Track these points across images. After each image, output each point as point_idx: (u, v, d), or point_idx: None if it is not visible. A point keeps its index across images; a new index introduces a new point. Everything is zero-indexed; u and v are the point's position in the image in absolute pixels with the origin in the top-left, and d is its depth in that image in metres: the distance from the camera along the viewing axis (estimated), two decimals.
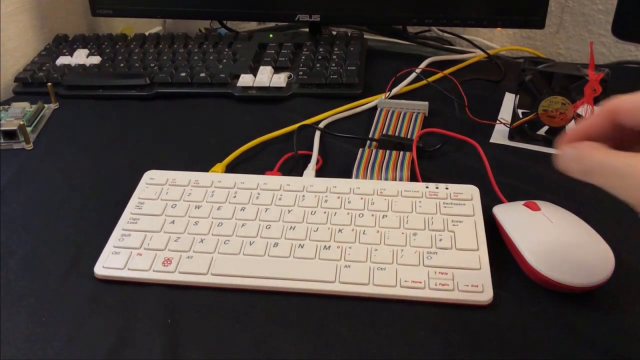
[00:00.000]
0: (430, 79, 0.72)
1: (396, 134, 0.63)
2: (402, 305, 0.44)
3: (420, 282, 0.45)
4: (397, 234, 0.49)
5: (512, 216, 0.49)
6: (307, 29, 0.85)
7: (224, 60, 0.77)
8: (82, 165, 0.62)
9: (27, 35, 0.82)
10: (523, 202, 0.49)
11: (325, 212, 0.51)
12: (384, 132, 0.63)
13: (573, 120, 0.59)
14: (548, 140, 0.61)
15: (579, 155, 0.36)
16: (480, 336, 0.42)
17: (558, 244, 0.45)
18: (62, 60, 0.79)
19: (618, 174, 0.34)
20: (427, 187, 0.53)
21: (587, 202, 0.52)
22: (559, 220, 0.46)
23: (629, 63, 0.87)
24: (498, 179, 0.55)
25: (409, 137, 0.62)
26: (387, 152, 0.59)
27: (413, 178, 0.56)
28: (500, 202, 0.52)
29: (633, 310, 0.43)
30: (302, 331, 0.43)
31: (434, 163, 0.59)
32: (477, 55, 0.82)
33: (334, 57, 0.76)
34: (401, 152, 0.59)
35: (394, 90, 0.71)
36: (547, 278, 0.44)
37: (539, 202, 0.49)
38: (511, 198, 0.53)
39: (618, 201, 0.33)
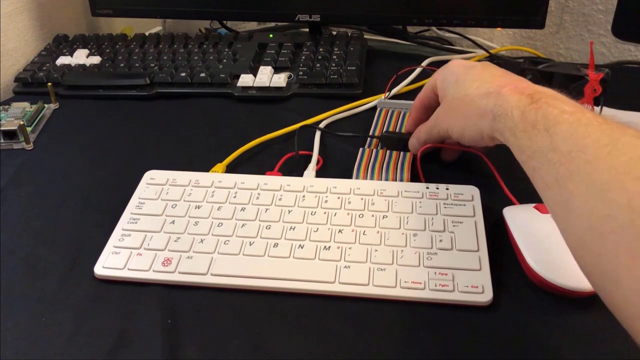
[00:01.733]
0: None
1: None
2: (402, 305, 0.44)
3: (420, 283, 0.45)
4: (397, 234, 0.49)
5: (519, 218, 0.49)
6: (307, 29, 0.85)
7: (224, 60, 0.77)
8: (82, 165, 0.62)
9: (27, 35, 0.82)
10: (534, 204, 0.49)
11: (325, 213, 0.51)
12: (384, 131, 0.63)
13: None
14: None
15: (414, 137, 0.57)
16: (480, 336, 0.42)
17: (561, 247, 0.45)
18: (62, 60, 0.79)
19: (433, 126, 0.53)
20: (427, 188, 0.53)
21: None
22: None
23: (629, 63, 0.87)
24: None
25: None
26: (388, 152, 0.59)
27: (414, 179, 0.56)
28: (506, 203, 0.52)
29: None
30: (302, 331, 0.43)
31: (434, 163, 0.59)
32: (477, 55, 0.82)
33: (334, 57, 0.76)
34: (402, 153, 0.59)
35: (394, 90, 0.71)
36: (547, 281, 0.44)
37: None
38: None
39: None
